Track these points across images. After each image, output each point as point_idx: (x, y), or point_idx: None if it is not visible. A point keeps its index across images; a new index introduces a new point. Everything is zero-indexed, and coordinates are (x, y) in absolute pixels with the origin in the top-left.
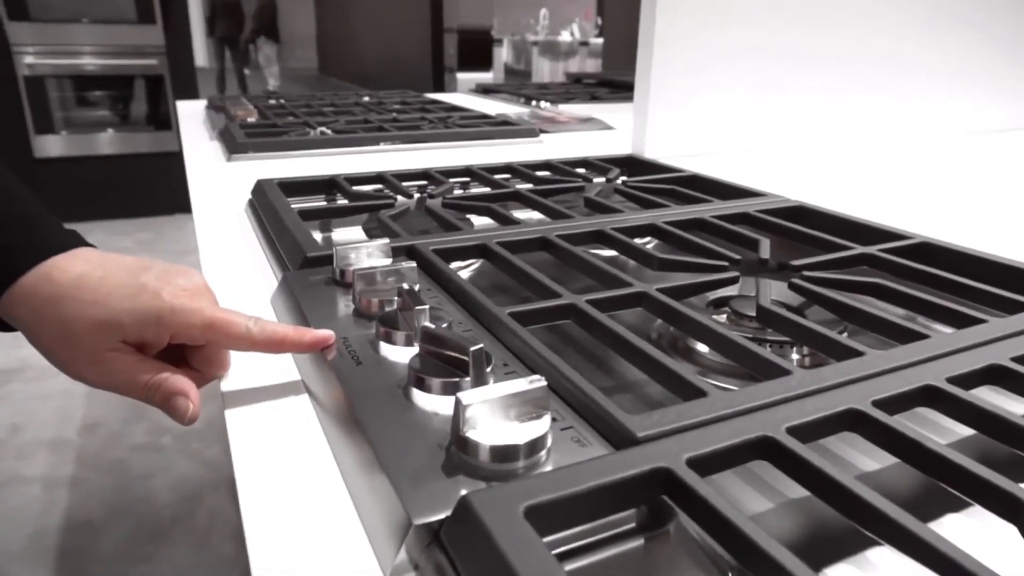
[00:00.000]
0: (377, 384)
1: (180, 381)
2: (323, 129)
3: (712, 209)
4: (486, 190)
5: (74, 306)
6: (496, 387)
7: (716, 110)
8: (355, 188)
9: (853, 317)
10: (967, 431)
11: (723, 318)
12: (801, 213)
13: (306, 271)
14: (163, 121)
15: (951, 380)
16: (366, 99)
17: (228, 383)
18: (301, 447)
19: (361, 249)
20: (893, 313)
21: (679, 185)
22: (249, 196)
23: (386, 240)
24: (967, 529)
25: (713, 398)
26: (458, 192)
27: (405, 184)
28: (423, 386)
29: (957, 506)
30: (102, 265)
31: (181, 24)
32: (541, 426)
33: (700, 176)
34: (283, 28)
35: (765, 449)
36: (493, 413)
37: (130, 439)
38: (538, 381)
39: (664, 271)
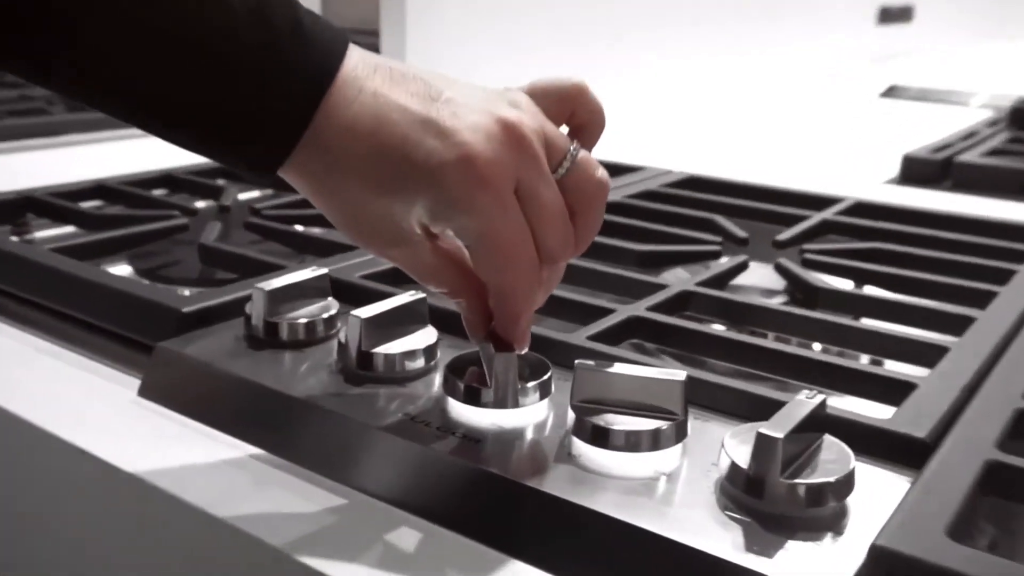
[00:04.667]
0: (536, 461)
1: (475, 314)
2: None
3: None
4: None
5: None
6: (785, 415)
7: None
8: (83, 206)
9: (892, 284)
10: None
11: None
12: (697, 184)
13: (184, 339)
14: None
15: None
16: None
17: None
18: None
19: (287, 289)
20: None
21: None
22: None
23: (323, 271)
24: None
25: (926, 388)
26: (272, 201)
27: (155, 194)
28: (613, 444)
29: None
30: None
31: None
32: (840, 452)
33: None
34: None
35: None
36: (791, 447)
37: None
38: (815, 397)
39: (645, 266)
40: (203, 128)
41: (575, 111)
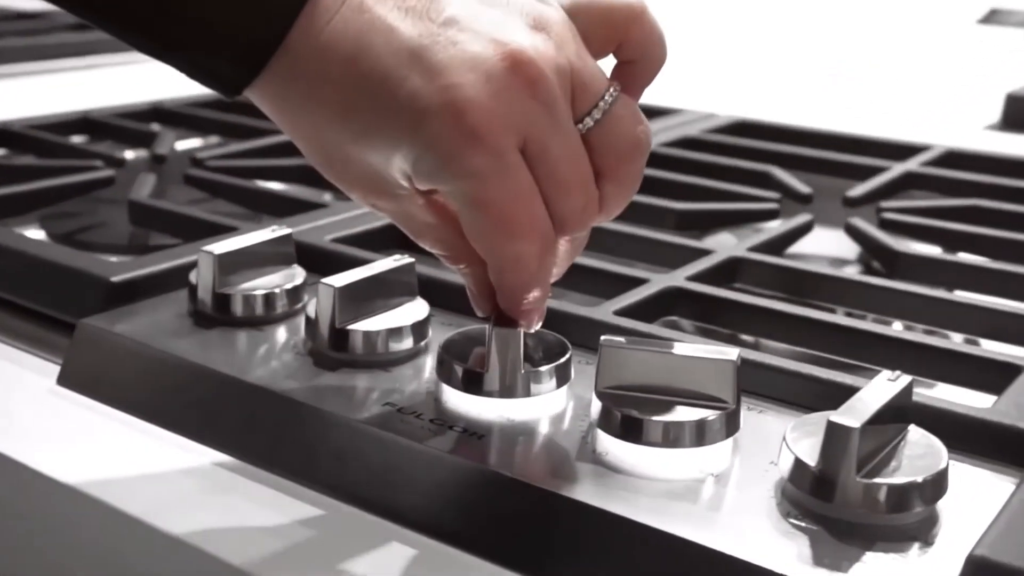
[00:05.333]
0: (553, 460)
1: (481, 284)
2: None
3: None
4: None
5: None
6: (862, 400)
7: None
8: None
9: (991, 249)
10: None
11: None
12: (748, 130)
13: (114, 314)
14: None
15: None
16: None
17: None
18: None
19: (242, 253)
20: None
21: None
22: None
23: (286, 231)
24: None
25: None
26: (219, 150)
27: (73, 141)
28: (648, 439)
29: None
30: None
31: None
32: (929, 447)
33: None
34: None
35: None
36: (869, 439)
37: None
38: (902, 379)
39: (685, 229)
40: (162, 31)
41: (625, 41)
